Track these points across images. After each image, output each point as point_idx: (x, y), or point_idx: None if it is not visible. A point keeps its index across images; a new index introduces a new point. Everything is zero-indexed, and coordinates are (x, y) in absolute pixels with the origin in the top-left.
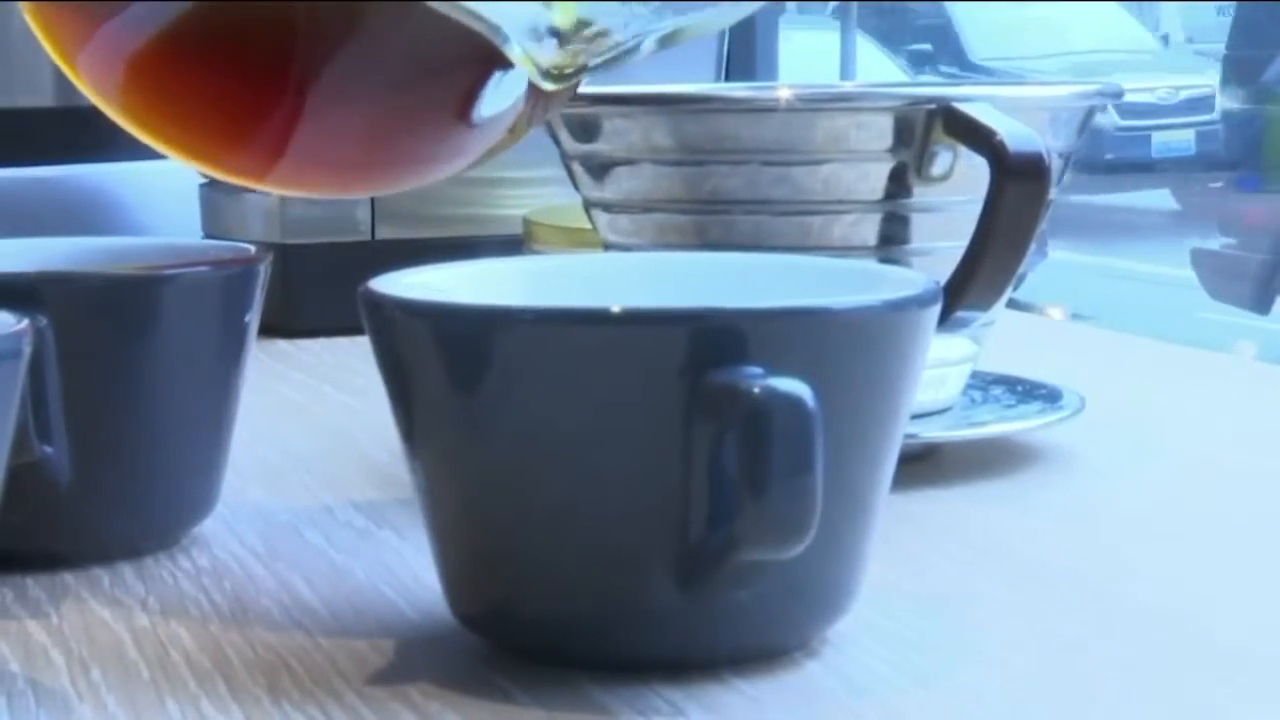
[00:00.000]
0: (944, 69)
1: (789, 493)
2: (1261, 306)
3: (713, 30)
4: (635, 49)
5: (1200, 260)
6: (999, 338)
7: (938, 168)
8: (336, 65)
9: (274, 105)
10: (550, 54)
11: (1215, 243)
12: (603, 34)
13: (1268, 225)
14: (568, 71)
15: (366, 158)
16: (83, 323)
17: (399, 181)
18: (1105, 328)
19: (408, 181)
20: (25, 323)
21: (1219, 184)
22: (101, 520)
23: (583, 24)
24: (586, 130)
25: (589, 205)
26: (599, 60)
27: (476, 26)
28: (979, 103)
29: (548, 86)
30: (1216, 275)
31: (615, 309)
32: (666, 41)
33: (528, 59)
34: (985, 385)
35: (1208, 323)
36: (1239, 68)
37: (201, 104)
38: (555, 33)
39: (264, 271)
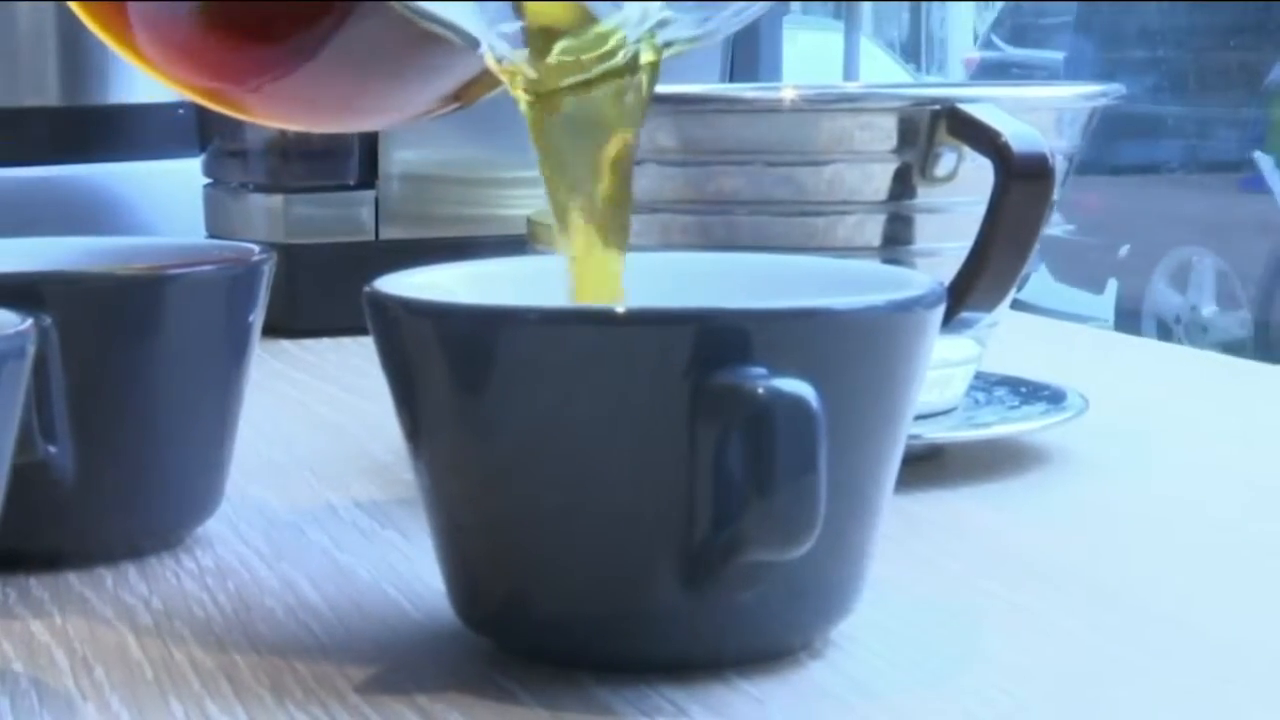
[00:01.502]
0: None
1: (793, 493)
2: (1096, 287)
3: (719, 37)
4: (650, 52)
5: (1044, 244)
6: (1003, 339)
7: (942, 168)
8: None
9: (276, 46)
10: (529, 65)
11: (1059, 229)
12: (604, 41)
13: (1103, 214)
14: (553, 88)
15: (339, 104)
16: (87, 322)
17: (357, 125)
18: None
19: (365, 126)
20: (29, 322)
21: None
22: (105, 520)
23: (559, 32)
24: None
25: None
26: (599, 71)
27: (452, 37)
28: (983, 103)
29: (525, 101)
30: (1059, 258)
31: (619, 309)
32: (675, 46)
33: (506, 71)
34: (989, 386)
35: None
36: (1076, 69)
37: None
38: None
39: (268, 271)
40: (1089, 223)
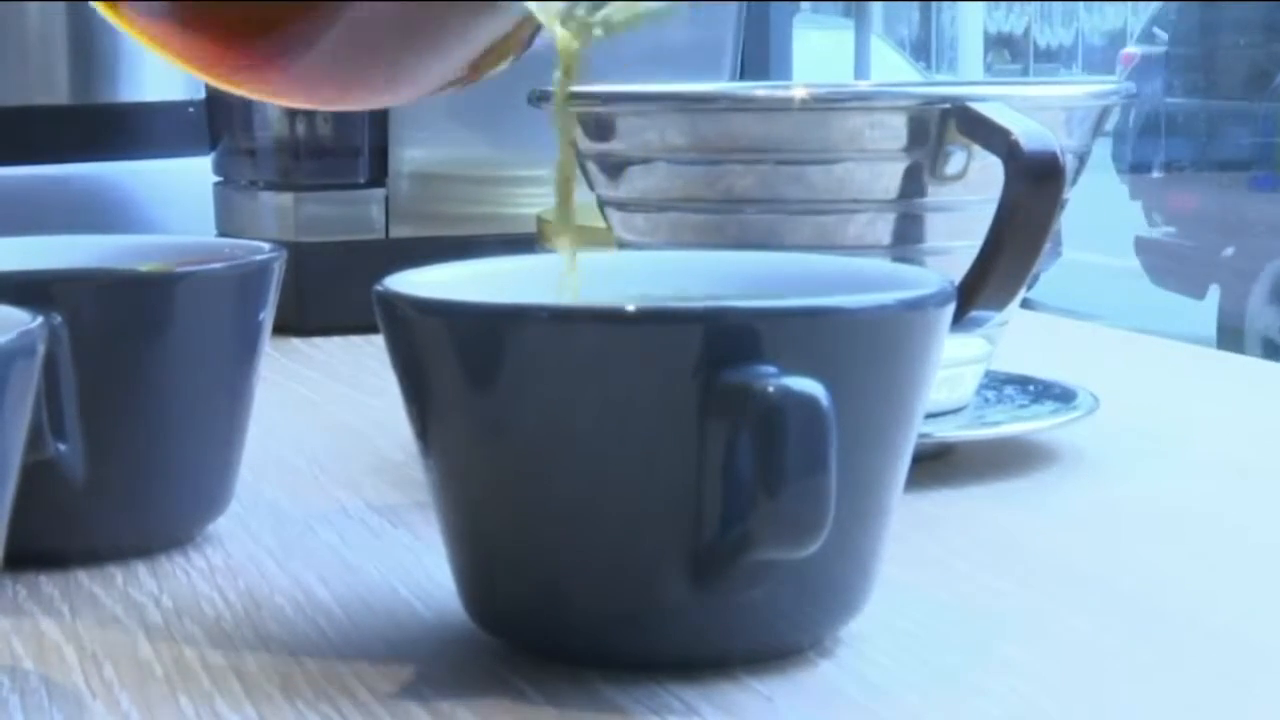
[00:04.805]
0: None
1: (803, 492)
2: (1198, 292)
3: None
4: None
5: (1143, 247)
6: (1013, 337)
7: (952, 167)
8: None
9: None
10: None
11: (1158, 231)
12: None
13: (1204, 214)
14: (592, 21)
15: (355, 78)
16: (97, 321)
17: (369, 103)
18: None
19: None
20: (40, 320)
21: (1160, 174)
22: (115, 518)
23: None
24: (601, 129)
25: (603, 204)
26: (622, 15)
27: None
28: (993, 102)
29: (566, 39)
30: (1158, 261)
31: (629, 308)
32: None
33: (543, 12)
34: (999, 385)
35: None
36: (1179, 65)
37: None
38: None
39: (278, 269)
40: (1189, 222)
